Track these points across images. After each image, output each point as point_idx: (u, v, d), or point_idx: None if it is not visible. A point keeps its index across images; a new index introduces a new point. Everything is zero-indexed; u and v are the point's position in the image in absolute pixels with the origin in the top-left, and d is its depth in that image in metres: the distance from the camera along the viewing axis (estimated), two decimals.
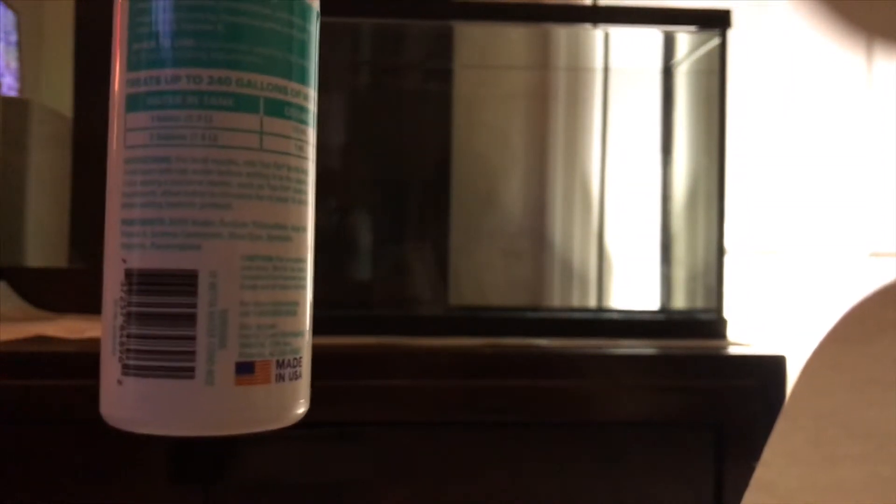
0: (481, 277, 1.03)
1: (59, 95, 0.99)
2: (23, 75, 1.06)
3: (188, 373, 0.25)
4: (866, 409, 0.28)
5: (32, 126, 0.91)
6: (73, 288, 0.91)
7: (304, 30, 0.27)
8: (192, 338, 0.25)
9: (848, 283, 1.28)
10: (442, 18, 0.95)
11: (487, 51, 1.06)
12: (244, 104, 0.25)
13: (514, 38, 1.06)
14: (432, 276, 0.96)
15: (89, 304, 0.79)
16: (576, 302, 1.06)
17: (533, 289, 1.05)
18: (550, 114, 1.07)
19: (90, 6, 0.95)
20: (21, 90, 1.05)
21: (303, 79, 0.27)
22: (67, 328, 0.76)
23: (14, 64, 1.04)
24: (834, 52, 1.28)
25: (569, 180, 1.05)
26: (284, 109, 0.26)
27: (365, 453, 0.71)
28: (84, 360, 0.61)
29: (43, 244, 0.94)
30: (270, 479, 0.70)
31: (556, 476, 0.73)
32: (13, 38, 1.04)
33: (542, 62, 1.09)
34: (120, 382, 0.25)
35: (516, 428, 0.73)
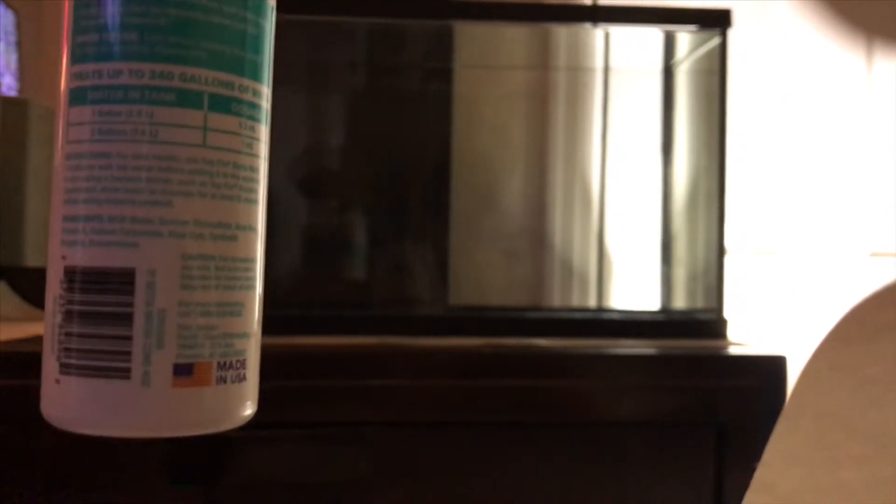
0: (481, 277, 1.03)
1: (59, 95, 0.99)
2: (23, 75, 1.06)
3: (124, 373, 0.24)
4: (867, 409, 0.28)
5: (32, 126, 0.91)
6: None
7: (257, 25, 0.26)
8: (129, 338, 0.24)
9: (848, 283, 1.28)
10: (442, 18, 0.95)
11: (487, 51, 1.05)
12: (187, 99, 0.25)
13: (514, 38, 1.06)
14: (432, 276, 0.96)
15: None
16: (576, 302, 1.06)
17: (533, 289, 1.05)
18: (550, 114, 1.07)
19: None
20: (21, 90, 1.05)
21: (255, 75, 0.26)
22: None
23: (14, 64, 1.04)
24: (834, 52, 1.28)
25: (569, 180, 1.05)
26: (232, 105, 0.25)
27: (365, 453, 0.71)
28: None
29: (43, 244, 0.93)
30: (270, 479, 0.70)
31: (556, 476, 0.73)
32: (13, 38, 1.04)
33: (542, 62, 1.09)
34: (58, 381, 0.25)
35: (516, 428, 0.73)
